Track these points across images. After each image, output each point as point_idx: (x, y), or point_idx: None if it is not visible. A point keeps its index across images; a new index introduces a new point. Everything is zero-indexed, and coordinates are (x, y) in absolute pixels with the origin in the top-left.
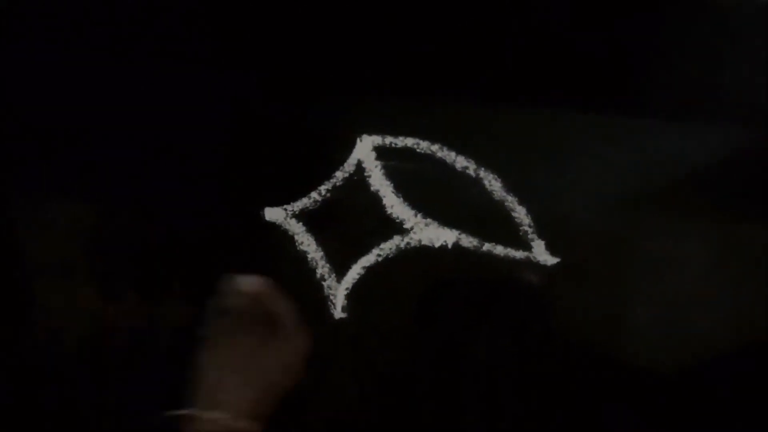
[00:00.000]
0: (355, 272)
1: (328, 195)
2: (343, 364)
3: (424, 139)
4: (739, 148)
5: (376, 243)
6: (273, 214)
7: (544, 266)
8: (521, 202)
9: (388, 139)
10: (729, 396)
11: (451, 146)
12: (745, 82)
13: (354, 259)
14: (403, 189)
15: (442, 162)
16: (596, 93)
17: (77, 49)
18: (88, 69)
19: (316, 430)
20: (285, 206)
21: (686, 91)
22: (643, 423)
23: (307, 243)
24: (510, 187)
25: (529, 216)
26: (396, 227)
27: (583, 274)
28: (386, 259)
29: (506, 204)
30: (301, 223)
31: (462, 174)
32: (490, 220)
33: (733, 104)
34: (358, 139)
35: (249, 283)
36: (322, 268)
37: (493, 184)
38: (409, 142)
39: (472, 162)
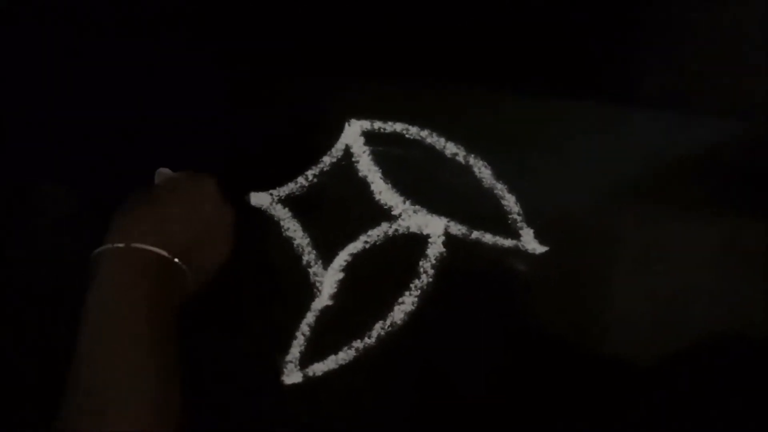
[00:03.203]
0: (342, 259)
1: (315, 180)
2: (329, 351)
3: (413, 124)
4: (736, 140)
5: (364, 230)
6: (258, 199)
7: (533, 255)
8: (511, 190)
9: (377, 124)
10: (722, 391)
11: (441, 132)
12: (744, 73)
13: (341, 245)
14: (391, 175)
15: (431, 148)
16: (590, 81)
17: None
18: (68, 48)
19: (300, 414)
20: (271, 191)
21: (682, 80)
22: (633, 416)
23: (293, 229)
24: (499, 174)
25: (519, 204)
26: (384, 214)
27: (573, 263)
28: (374, 245)
29: (495, 192)
30: (287, 209)
31: (451, 161)
32: (479, 208)
33: (733, 96)
34: (346, 124)
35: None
36: (308, 255)
37: (482, 171)
38: (398, 127)
39: (462, 149)
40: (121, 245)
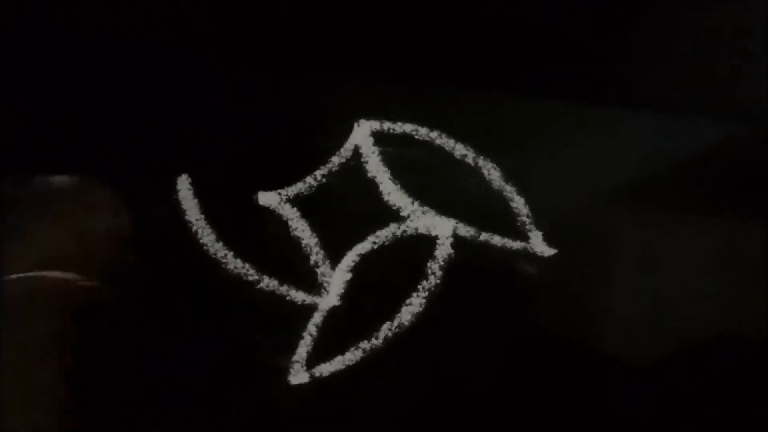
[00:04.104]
0: (350, 259)
1: (324, 180)
2: (336, 351)
3: (423, 125)
4: (736, 141)
5: (372, 230)
6: (267, 198)
7: (542, 257)
8: (520, 192)
9: (387, 125)
10: (722, 391)
11: (451, 133)
12: (744, 73)
13: (349, 245)
14: (400, 176)
15: (440, 149)
16: (598, 84)
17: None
18: (68, 48)
19: (306, 415)
20: (279, 191)
21: (682, 80)
22: (633, 416)
23: (301, 229)
24: (509, 176)
25: (528, 206)
26: (392, 214)
27: (581, 266)
28: (382, 246)
29: (505, 193)
30: (295, 209)
31: (461, 162)
32: (488, 210)
33: (733, 96)
34: (355, 124)
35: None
36: (316, 255)
37: (492, 173)
38: (408, 128)
39: (471, 150)
40: None
